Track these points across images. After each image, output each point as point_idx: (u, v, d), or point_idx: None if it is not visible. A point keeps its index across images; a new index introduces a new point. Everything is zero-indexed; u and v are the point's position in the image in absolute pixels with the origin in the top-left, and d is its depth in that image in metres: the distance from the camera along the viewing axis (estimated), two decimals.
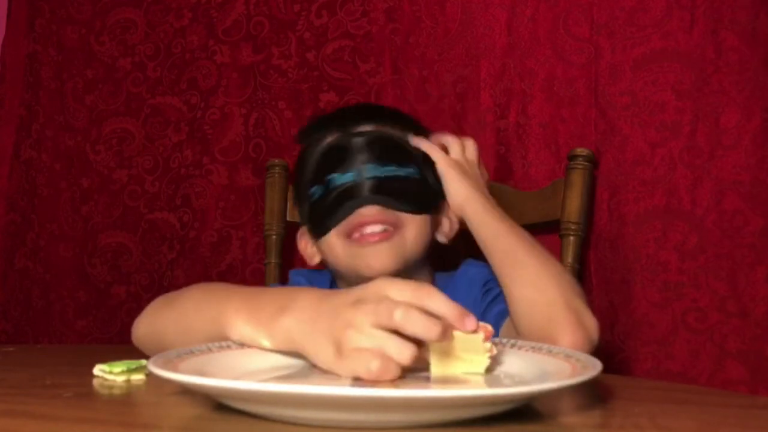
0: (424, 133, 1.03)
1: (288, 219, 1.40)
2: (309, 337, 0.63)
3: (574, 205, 1.18)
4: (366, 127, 0.98)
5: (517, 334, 0.84)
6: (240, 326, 0.68)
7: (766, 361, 1.10)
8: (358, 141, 0.96)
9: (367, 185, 0.94)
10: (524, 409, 0.55)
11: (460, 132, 1.13)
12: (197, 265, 1.56)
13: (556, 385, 0.52)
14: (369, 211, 0.93)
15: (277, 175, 1.40)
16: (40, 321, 1.68)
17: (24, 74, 1.72)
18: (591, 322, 0.80)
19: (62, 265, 1.67)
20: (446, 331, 0.58)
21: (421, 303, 0.59)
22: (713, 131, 1.16)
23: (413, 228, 0.95)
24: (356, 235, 0.94)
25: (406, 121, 1.03)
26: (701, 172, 1.16)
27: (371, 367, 0.57)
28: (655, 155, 1.19)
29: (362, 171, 0.94)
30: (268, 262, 1.39)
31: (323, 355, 0.61)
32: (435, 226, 1.00)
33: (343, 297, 0.63)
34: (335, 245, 0.97)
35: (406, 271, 0.97)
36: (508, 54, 1.31)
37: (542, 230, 1.27)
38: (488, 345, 0.61)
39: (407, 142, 0.98)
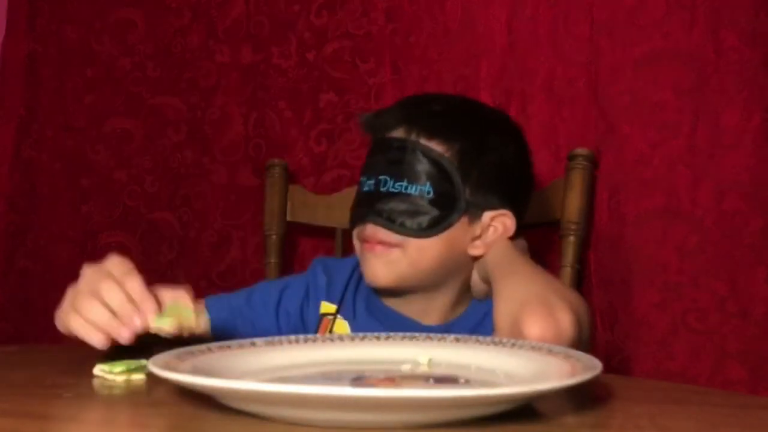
0: (477, 135, 0.98)
1: (288, 219, 1.40)
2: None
3: (574, 205, 1.18)
4: (398, 133, 0.97)
5: (494, 330, 0.84)
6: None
7: (766, 361, 1.10)
8: (384, 148, 0.97)
9: (376, 200, 0.95)
10: (524, 409, 0.55)
11: None
12: (197, 265, 1.56)
13: (556, 385, 0.52)
14: (370, 230, 0.96)
15: (277, 175, 1.40)
16: (40, 321, 1.67)
17: (24, 74, 1.72)
18: (565, 319, 0.77)
19: (62, 266, 1.67)
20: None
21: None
22: (713, 131, 1.16)
23: (415, 250, 0.94)
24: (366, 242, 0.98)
25: (449, 130, 0.96)
26: (701, 172, 1.16)
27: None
28: (655, 155, 1.19)
29: (379, 182, 0.96)
30: (268, 262, 1.39)
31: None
32: (462, 240, 0.97)
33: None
34: (355, 243, 1.02)
35: (414, 289, 0.98)
36: (508, 54, 1.31)
37: (542, 230, 1.27)
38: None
39: (429, 156, 0.94)
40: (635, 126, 1.20)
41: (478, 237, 0.97)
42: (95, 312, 0.75)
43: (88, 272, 0.78)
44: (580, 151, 1.20)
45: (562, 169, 1.22)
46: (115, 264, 0.78)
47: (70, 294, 0.78)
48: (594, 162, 1.21)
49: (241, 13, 1.56)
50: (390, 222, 0.94)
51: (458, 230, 0.96)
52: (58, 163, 1.69)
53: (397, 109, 1.00)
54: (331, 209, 1.36)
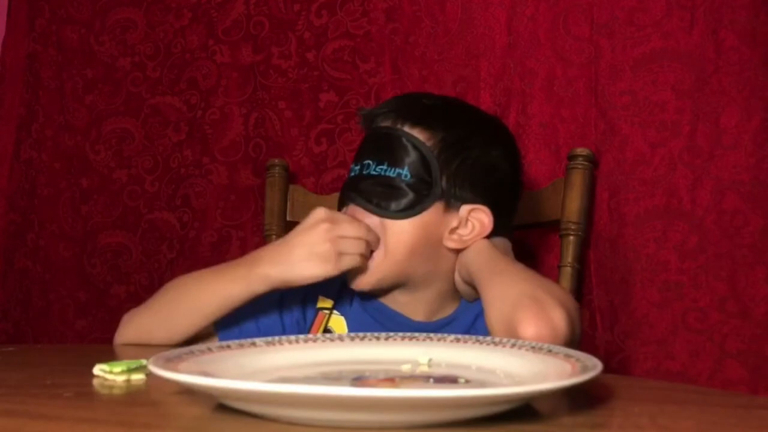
0: (461, 130, 0.99)
1: (288, 219, 1.40)
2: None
3: (574, 205, 1.18)
4: (386, 122, 1.00)
5: (488, 332, 0.84)
6: (270, 269, 0.93)
7: (766, 361, 1.10)
8: (372, 137, 1.01)
9: (358, 182, 0.98)
10: (524, 409, 0.55)
11: None
12: (197, 265, 1.55)
13: (556, 385, 0.52)
14: (351, 210, 0.99)
15: (277, 175, 1.40)
16: (40, 321, 1.68)
17: (24, 74, 1.73)
18: (558, 316, 0.78)
19: (62, 265, 1.67)
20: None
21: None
22: (713, 131, 1.16)
23: (392, 235, 0.95)
24: None
25: (434, 120, 0.99)
26: (701, 172, 1.16)
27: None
28: (655, 155, 1.19)
29: (363, 166, 0.99)
30: None
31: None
32: (437, 228, 0.97)
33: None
34: None
35: (396, 284, 0.99)
36: (508, 54, 1.31)
37: (542, 230, 1.27)
38: None
39: (411, 142, 0.96)
40: (635, 126, 1.20)
41: (456, 230, 0.97)
42: (354, 245, 0.93)
43: (304, 232, 0.94)
44: (580, 151, 1.20)
45: (562, 169, 1.22)
46: (319, 212, 0.94)
47: (309, 253, 0.92)
48: (594, 162, 1.21)
49: (241, 13, 1.56)
50: (368, 202, 0.96)
51: (433, 215, 0.96)
52: (58, 163, 1.69)
53: (391, 102, 1.04)
54: (332, 209, 1.36)
